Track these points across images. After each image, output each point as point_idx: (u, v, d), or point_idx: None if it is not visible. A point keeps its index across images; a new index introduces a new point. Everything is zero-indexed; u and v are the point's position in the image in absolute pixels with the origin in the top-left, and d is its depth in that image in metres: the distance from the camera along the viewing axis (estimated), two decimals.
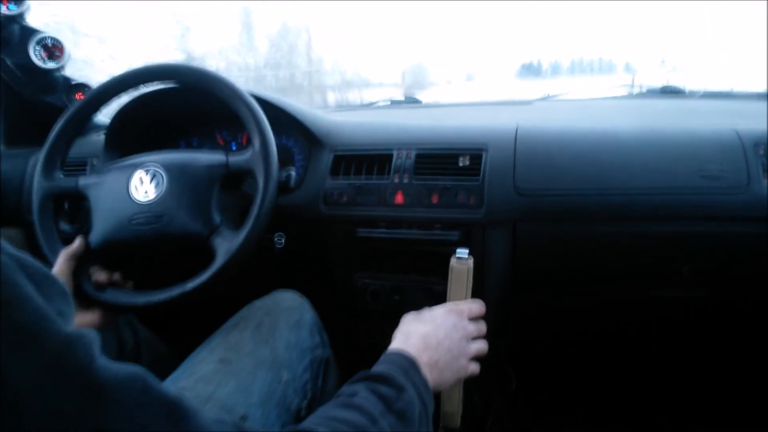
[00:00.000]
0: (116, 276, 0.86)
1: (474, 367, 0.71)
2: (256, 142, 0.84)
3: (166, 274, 0.82)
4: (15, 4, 1.12)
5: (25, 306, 0.32)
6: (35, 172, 0.90)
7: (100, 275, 0.85)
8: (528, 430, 1.31)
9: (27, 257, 0.35)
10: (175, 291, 0.79)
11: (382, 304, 1.02)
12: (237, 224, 0.84)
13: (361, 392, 0.52)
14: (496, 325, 0.77)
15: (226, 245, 0.81)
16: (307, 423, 0.48)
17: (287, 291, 0.87)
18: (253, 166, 0.84)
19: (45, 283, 0.34)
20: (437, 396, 0.71)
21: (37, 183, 0.89)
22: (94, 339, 0.35)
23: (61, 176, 0.90)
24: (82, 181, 0.89)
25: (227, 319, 0.81)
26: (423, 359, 0.63)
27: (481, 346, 0.73)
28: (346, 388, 0.54)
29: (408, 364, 0.60)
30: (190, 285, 0.79)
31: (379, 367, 0.59)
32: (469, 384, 0.74)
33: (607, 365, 1.32)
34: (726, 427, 1.27)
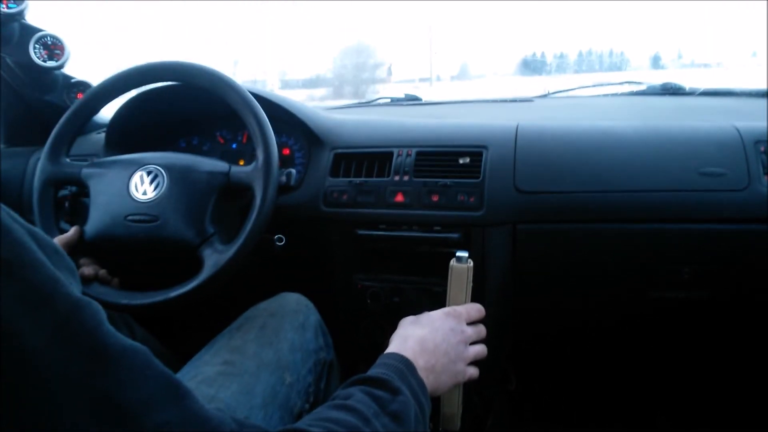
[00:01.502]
0: (103, 272, 0.86)
1: (473, 371, 0.71)
2: (260, 156, 0.84)
3: (152, 278, 0.83)
4: (15, 2, 1.12)
5: (38, 268, 0.33)
6: (41, 156, 0.90)
7: (87, 269, 0.85)
8: (528, 430, 1.31)
9: (37, 230, 0.36)
10: (157, 297, 0.80)
11: (382, 306, 1.02)
12: (230, 236, 0.84)
13: (355, 394, 0.52)
14: (496, 325, 0.77)
15: (214, 258, 0.81)
16: (300, 423, 0.48)
17: (292, 293, 0.87)
18: (253, 182, 0.84)
19: (55, 255, 0.36)
20: (436, 398, 0.71)
21: (41, 166, 0.89)
22: (100, 308, 0.36)
23: (66, 162, 0.91)
24: (85, 170, 0.89)
25: (225, 319, 0.81)
26: (419, 363, 0.62)
27: (479, 349, 0.72)
28: (341, 392, 0.54)
29: (404, 366, 0.60)
30: (173, 293, 0.79)
31: (374, 371, 0.59)
32: (469, 385, 0.74)
33: (607, 366, 1.32)
34: (726, 427, 1.27)
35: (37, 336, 0.31)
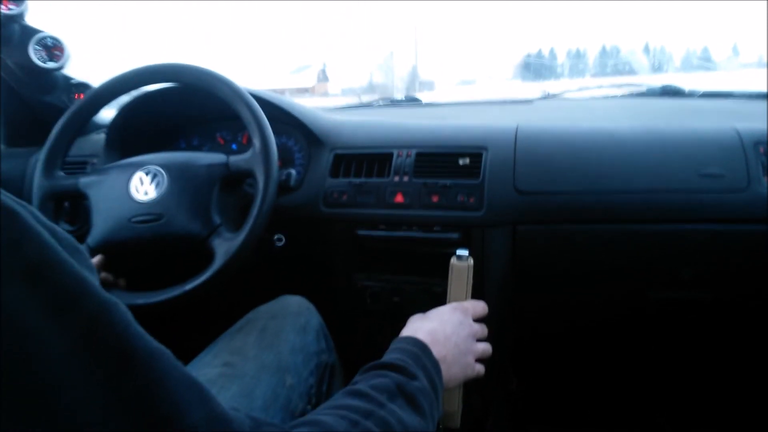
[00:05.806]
0: (104, 275, 0.86)
1: (480, 368, 0.71)
2: (257, 142, 0.84)
3: (164, 276, 0.82)
4: (15, 3, 1.12)
5: (65, 269, 0.31)
6: (36, 171, 0.90)
7: (99, 275, 0.85)
8: (528, 430, 1.31)
9: (57, 227, 0.34)
10: (173, 292, 0.79)
11: (382, 306, 1.02)
12: (237, 225, 0.84)
13: (370, 380, 0.52)
14: (496, 325, 0.77)
15: (225, 246, 0.81)
16: (313, 413, 0.48)
17: (294, 296, 0.86)
18: (254, 167, 0.84)
19: (76, 253, 0.34)
20: None
21: (38, 182, 0.89)
22: (127, 308, 0.35)
23: (62, 175, 0.91)
24: (83, 180, 0.89)
25: (225, 323, 0.81)
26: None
27: (486, 347, 0.73)
28: (357, 378, 0.55)
29: (418, 349, 0.60)
30: (189, 286, 0.79)
31: (389, 356, 0.59)
32: (469, 384, 0.74)
33: (607, 365, 1.32)
34: (727, 428, 1.27)
35: (63, 341, 0.30)
